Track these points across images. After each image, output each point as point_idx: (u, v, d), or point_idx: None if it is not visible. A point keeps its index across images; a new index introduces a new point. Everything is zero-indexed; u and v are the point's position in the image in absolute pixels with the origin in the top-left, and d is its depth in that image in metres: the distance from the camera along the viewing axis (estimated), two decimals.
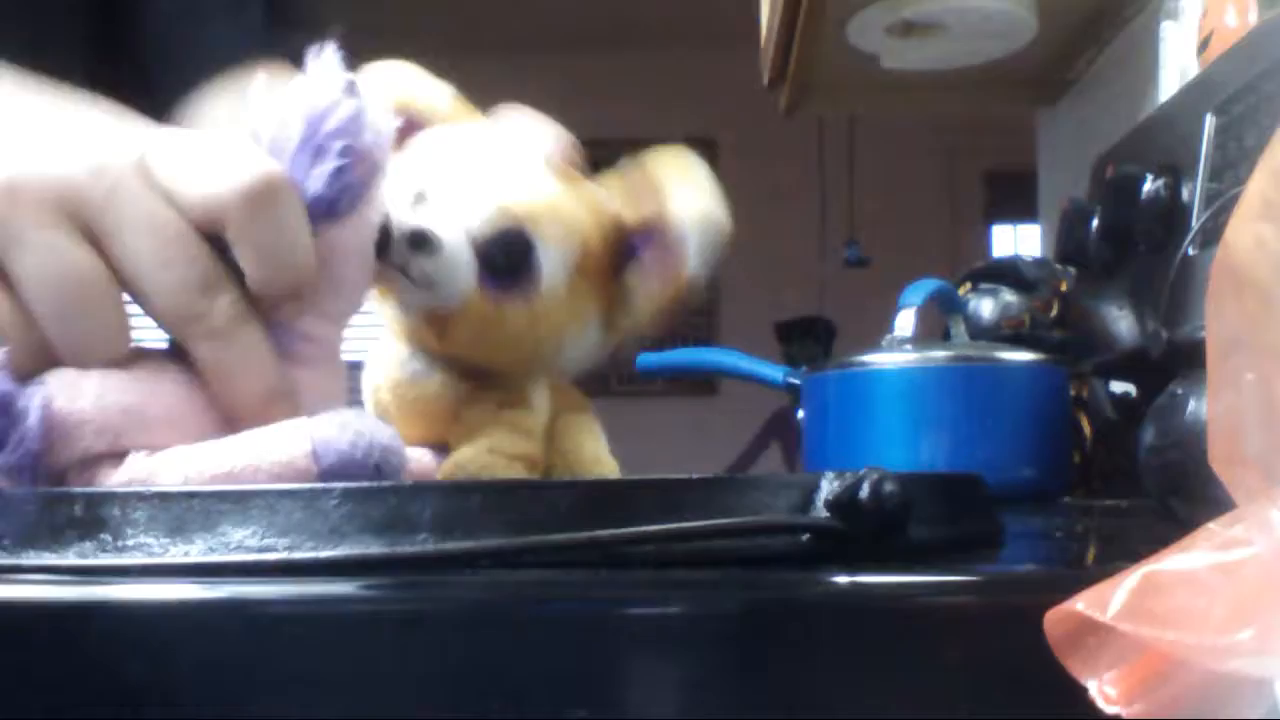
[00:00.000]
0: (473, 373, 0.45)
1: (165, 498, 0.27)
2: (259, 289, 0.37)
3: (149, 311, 0.37)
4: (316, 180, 0.37)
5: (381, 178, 0.39)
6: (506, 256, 0.41)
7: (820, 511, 0.28)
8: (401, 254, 0.41)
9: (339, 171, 0.37)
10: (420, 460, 0.44)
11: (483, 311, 0.42)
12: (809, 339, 3.77)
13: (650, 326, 0.45)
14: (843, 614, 0.26)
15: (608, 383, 4.23)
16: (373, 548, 0.26)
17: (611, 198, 0.45)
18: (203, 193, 0.36)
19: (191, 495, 0.27)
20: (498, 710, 0.25)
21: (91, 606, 0.25)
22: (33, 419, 0.34)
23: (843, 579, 0.26)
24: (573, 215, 0.43)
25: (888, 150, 3.97)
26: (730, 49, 2.61)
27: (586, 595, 0.26)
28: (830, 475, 0.29)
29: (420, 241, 0.40)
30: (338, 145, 0.37)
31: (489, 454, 0.44)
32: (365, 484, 0.29)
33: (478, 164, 0.44)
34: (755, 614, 0.26)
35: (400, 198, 0.42)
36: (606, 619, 0.25)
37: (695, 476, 0.29)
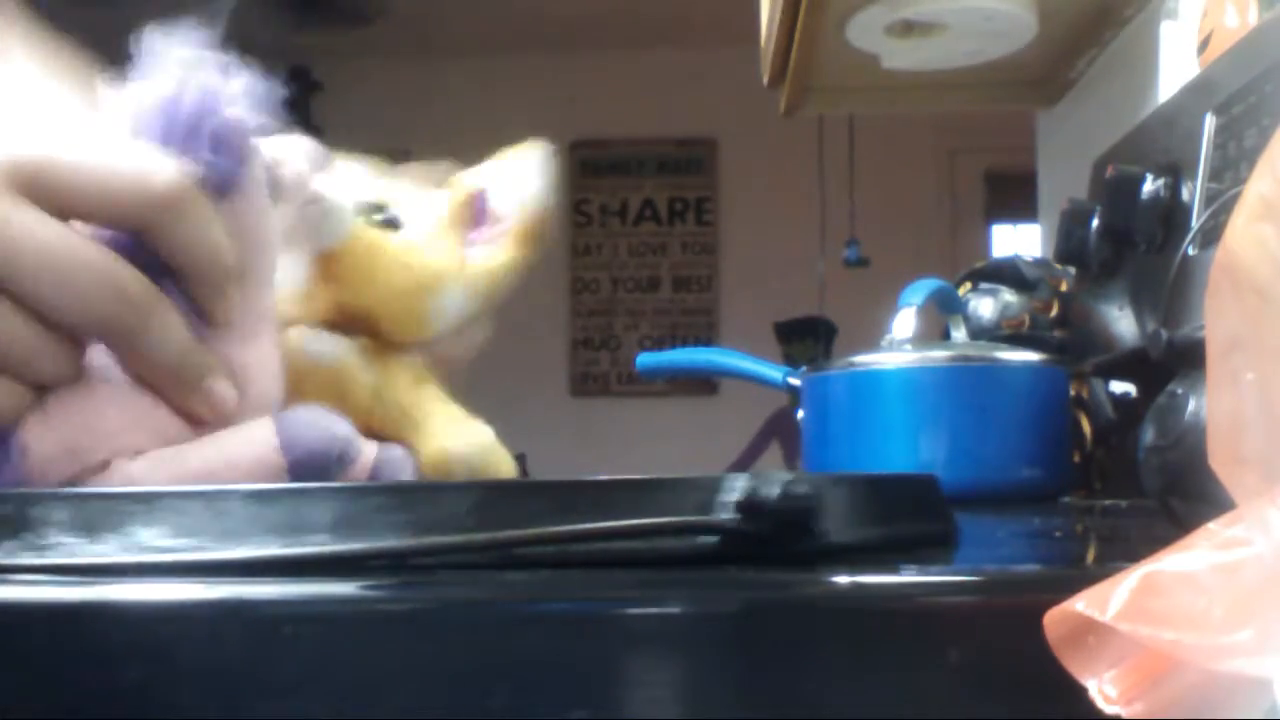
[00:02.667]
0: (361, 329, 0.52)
1: (82, 499, 0.28)
2: (198, 285, 0.37)
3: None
4: (194, 165, 0.37)
5: (254, 149, 0.40)
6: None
7: (728, 513, 0.28)
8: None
9: (215, 151, 0.37)
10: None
11: (367, 241, 0.49)
12: (809, 339, 3.77)
13: (500, 284, 0.53)
14: (842, 614, 0.26)
15: (608, 383, 4.26)
16: (272, 549, 0.27)
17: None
18: (114, 199, 0.35)
19: (105, 497, 0.28)
20: (492, 710, 0.25)
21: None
22: (10, 468, 0.35)
23: (843, 579, 0.26)
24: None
25: (888, 150, 3.97)
26: (730, 49, 2.61)
27: (574, 595, 0.26)
28: (744, 477, 0.28)
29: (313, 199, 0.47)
30: (206, 126, 0.37)
31: (449, 422, 0.50)
32: (266, 486, 0.31)
33: None
34: (754, 614, 0.26)
35: None
36: (599, 619, 0.25)
37: (602, 478, 0.29)
